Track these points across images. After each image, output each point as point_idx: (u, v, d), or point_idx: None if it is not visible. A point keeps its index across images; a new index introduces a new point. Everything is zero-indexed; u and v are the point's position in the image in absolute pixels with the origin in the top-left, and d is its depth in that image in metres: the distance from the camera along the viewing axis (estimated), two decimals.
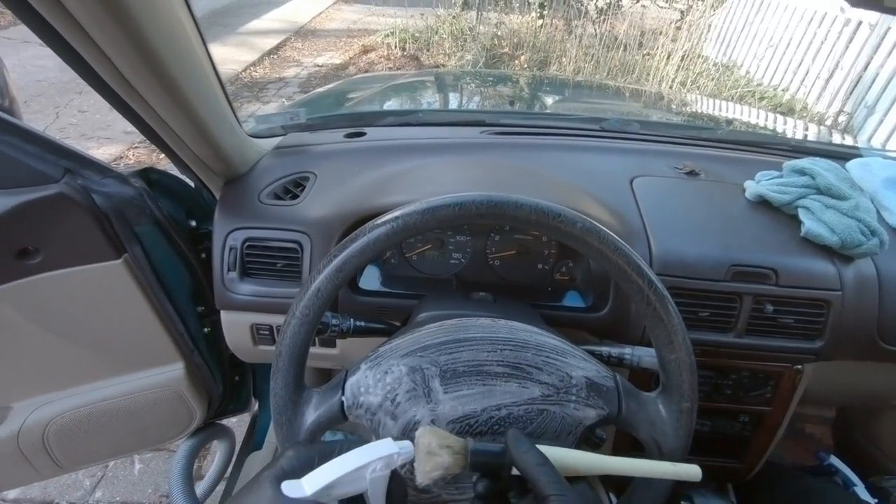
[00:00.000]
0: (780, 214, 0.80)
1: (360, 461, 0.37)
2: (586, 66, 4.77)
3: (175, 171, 0.90)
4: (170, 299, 0.90)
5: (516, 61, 4.98)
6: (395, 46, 5.28)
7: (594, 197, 0.78)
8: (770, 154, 1.01)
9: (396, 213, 0.47)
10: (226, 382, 1.09)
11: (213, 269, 0.80)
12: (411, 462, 0.40)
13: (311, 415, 0.51)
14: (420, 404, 0.49)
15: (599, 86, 1.84)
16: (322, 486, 0.35)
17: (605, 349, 0.63)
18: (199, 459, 1.63)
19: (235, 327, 0.84)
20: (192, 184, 0.92)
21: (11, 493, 1.45)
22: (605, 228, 0.47)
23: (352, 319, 0.67)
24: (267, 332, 0.82)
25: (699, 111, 1.53)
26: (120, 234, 0.80)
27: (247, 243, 0.78)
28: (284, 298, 0.78)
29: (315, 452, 0.39)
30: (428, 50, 5.24)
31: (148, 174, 0.85)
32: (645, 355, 0.62)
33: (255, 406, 1.31)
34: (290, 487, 0.35)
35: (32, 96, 3.75)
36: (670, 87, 4.48)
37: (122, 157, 3.24)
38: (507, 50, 5.12)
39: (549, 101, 1.44)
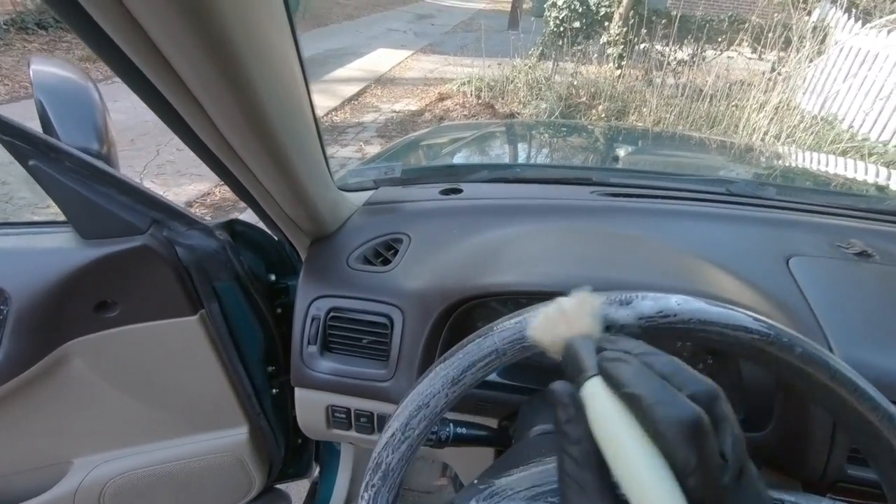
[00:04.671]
0: None
1: None
2: (667, 116, 4.59)
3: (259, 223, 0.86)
4: (241, 359, 0.84)
5: (593, 111, 4.89)
6: (471, 94, 5.35)
7: (749, 283, 0.63)
8: None
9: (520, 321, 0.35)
10: (288, 446, 1.00)
11: (292, 340, 0.72)
12: None
13: None
14: None
15: (697, 139, 1.68)
16: None
17: (788, 498, 0.47)
18: None
19: (309, 406, 0.75)
20: (275, 237, 0.87)
21: None
22: (833, 356, 0.33)
23: (451, 425, 0.56)
24: (343, 416, 0.72)
25: (848, 175, 1.32)
26: (199, 289, 0.74)
27: (331, 314, 0.69)
28: (367, 381, 0.69)
29: None
30: (503, 98, 5.27)
31: (233, 226, 0.81)
32: None
33: (316, 471, 1.21)
34: None
35: (139, 135, 4.08)
36: (761, 140, 4.19)
37: (209, 194, 3.41)
38: (583, 99, 5.04)
39: (656, 157, 1.30)
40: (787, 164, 1.41)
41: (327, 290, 0.70)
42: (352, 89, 5.91)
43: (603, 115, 4.79)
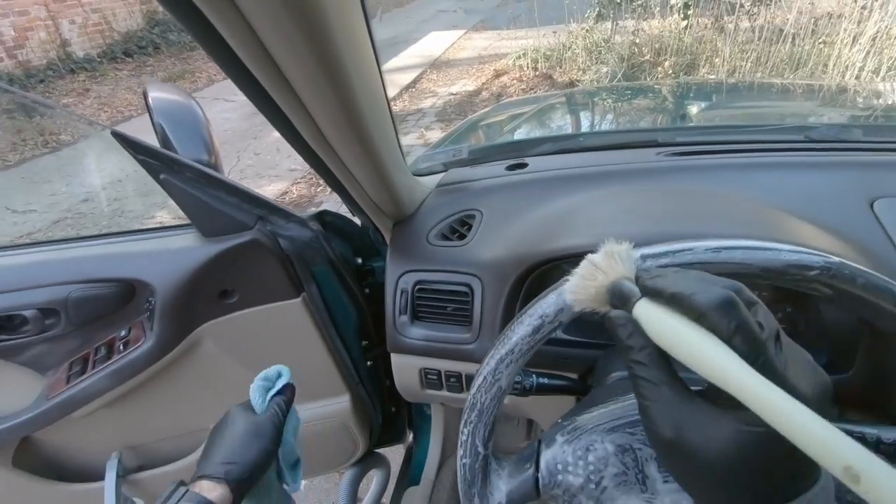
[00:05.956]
0: None
1: None
2: (743, 64, 4.25)
3: (344, 211, 0.95)
4: (339, 335, 0.93)
5: (659, 68, 4.63)
6: (528, 67, 5.25)
7: (825, 227, 0.63)
8: None
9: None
10: (384, 413, 1.11)
11: (385, 311, 0.80)
12: None
13: (502, 489, 0.45)
14: (632, 493, 0.41)
15: (780, 86, 1.58)
16: None
17: (870, 431, 0.48)
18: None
19: (405, 370, 0.83)
20: (359, 223, 0.96)
21: None
22: None
23: (534, 376, 0.61)
24: (435, 377, 0.80)
25: None
26: (300, 274, 0.84)
27: (417, 286, 0.77)
28: (453, 345, 0.76)
29: None
30: (561, 67, 5.12)
31: (323, 217, 0.90)
32: None
33: (410, 437, 1.32)
34: None
35: (221, 143, 4.41)
36: (856, 78, 3.78)
37: (286, 192, 3.66)
38: (647, 57, 4.78)
39: (727, 110, 1.25)
40: (877, 102, 1.29)
41: (412, 265, 0.78)
42: (408, 77, 6.00)
43: (670, 72, 4.53)
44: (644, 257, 0.40)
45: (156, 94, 0.82)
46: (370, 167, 0.61)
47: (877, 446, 0.47)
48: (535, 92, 4.74)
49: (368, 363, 1.01)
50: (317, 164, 0.61)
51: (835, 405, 0.61)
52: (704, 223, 0.64)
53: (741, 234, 0.62)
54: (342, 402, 1.01)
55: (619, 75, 4.54)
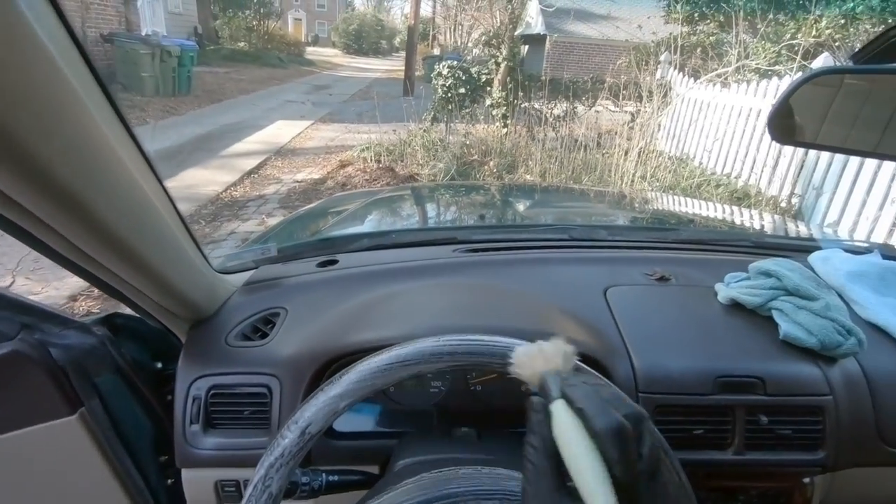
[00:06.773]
0: (757, 317, 0.80)
1: None
2: (551, 166, 5.08)
3: None
4: (129, 452, 0.83)
5: (485, 167, 5.28)
6: (371, 160, 5.57)
7: (569, 313, 0.78)
8: (734, 253, 1.04)
9: (364, 367, 0.45)
10: None
11: (174, 422, 0.74)
12: None
13: None
14: None
15: (565, 189, 1.94)
16: None
17: None
18: None
19: (198, 486, 0.76)
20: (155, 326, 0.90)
21: None
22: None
23: (324, 475, 0.61)
24: (233, 489, 0.75)
25: (662, 210, 1.60)
26: (77, 387, 0.75)
27: (212, 391, 0.73)
28: (252, 450, 0.72)
29: None
30: (402, 161, 5.54)
31: (112, 320, 0.82)
32: None
33: None
34: None
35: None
36: (632, 182, 4.77)
37: (91, 288, 3.19)
38: (476, 157, 5.44)
39: (519, 210, 1.49)
40: (622, 207, 1.67)
41: (207, 369, 0.74)
42: (251, 162, 5.88)
43: (494, 171, 5.19)
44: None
45: None
46: (146, 276, 0.60)
47: None
48: (377, 182, 5.00)
49: (169, 481, 0.90)
50: (85, 275, 0.58)
51: None
52: (482, 317, 0.75)
53: (515, 327, 0.74)
54: None
55: (453, 171, 5.06)
